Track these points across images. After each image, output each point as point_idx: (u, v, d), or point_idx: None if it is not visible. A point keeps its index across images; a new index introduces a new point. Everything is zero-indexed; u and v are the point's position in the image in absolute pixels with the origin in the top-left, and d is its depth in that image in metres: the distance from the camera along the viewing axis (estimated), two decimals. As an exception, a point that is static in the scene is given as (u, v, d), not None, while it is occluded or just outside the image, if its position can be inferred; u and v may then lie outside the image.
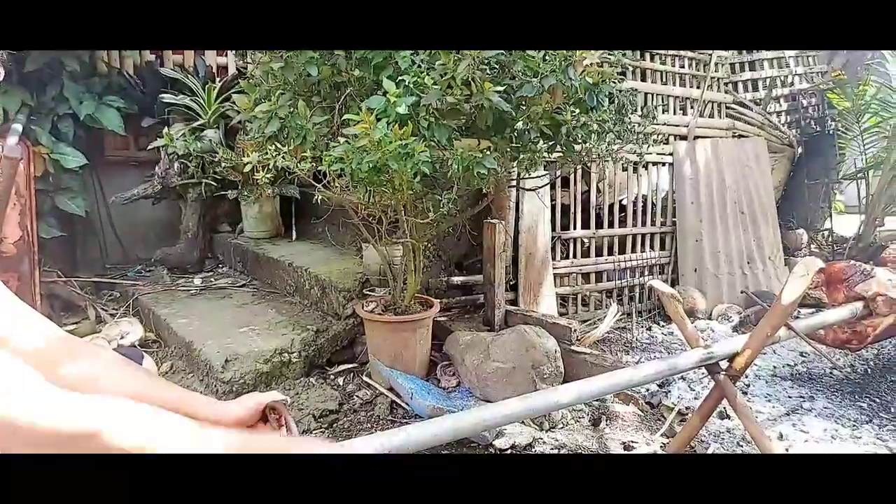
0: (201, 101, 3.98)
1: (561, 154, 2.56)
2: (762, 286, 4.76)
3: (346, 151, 2.01)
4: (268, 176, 2.23)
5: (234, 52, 4.62)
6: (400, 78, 2.11)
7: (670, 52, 4.50)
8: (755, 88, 5.40)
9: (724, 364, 2.39)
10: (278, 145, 2.12)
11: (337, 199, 2.55)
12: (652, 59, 4.42)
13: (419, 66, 2.13)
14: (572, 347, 3.05)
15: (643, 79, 4.38)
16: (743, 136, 5.05)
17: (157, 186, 4.00)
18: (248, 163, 2.17)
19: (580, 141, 2.52)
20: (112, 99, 3.78)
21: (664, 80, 4.51)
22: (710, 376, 2.47)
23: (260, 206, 4.10)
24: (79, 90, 3.67)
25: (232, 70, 4.58)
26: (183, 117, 4.04)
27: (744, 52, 5.29)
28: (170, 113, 4.03)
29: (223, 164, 3.74)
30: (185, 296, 3.69)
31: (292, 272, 3.57)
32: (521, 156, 2.53)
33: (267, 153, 2.13)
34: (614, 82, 2.48)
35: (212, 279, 4.03)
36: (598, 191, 4.20)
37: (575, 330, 3.09)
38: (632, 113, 2.59)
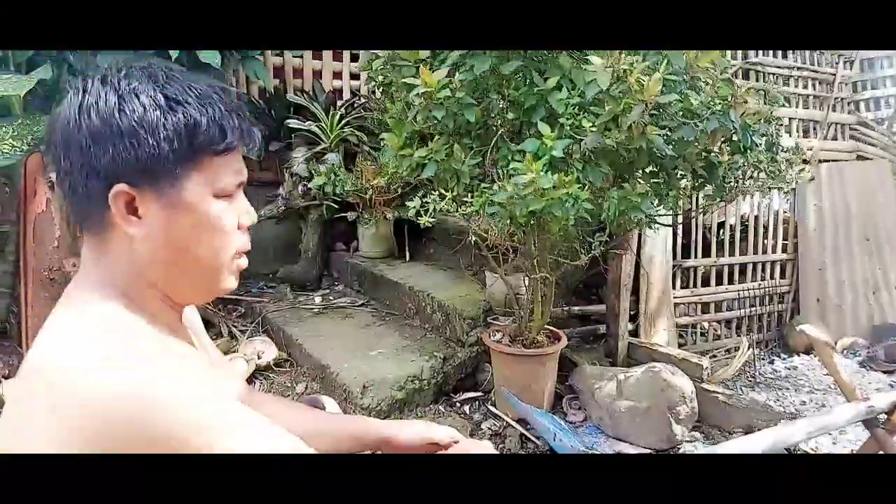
0: (323, 126, 4.12)
1: (711, 193, 2.51)
2: (888, 318, 4.51)
3: (508, 198, 2.04)
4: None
5: (349, 77, 4.77)
6: (558, 121, 2.13)
7: (794, 72, 4.34)
8: (877, 107, 5.15)
9: (881, 417, 2.29)
10: (442, 191, 2.18)
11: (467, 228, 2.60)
12: (776, 80, 4.28)
13: (574, 108, 2.13)
14: (703, 385, 2.98)
15: (765, 102, 4.23)
16: (866, 158, 4.80)
17: (281, 207, 4.17)
18: (413, 208, 2.23)
19: (733, 181, 2.46)
20: (244, 125, 3.97)
21: (787, 102, 4.35)
22: (865, 428, 2.38)
23: (377, 226, 4.21)
24: (215, 117, 3.86)
25: (347, 94, 4.72)
26: (305, 141, 4.19)
27: (866, 69, 5.05)
28: (293, 137, 4.20)
29: (345, 188, 3.87)
30: (309, 314, 3.83)
31: (413, 296, 3.64)
32: (669, 193, 2.50)
33: (427, 196, 2.19)
34: (769, 121, 2.42)
35: (330, 297, 4.16)
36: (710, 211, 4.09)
37: (706, 368, 3.03)
38: (783, 151, 2.51)
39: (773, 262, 4.30)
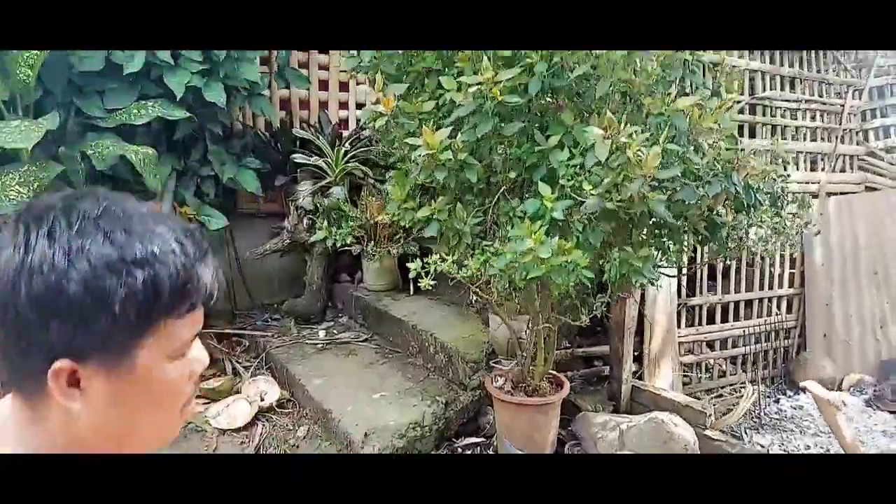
0: (329, 161, 4.13)
1: (714, 249, 2.50)
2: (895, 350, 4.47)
3: (507, 264, 2.04)
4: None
5: (356, 107, 4.78)
6: (558, 183, 2.12)
7: (801, 105, 4.31)
8: (886, 135, 5.10)
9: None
10: (443, 254, 2.18)
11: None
12: (783, 114, 4.25)
13: (575, 169, 2.13)
14: (706, 433, 2.96)
15: (772, 135, 4.22)
16: (875, 189, 4.76)
17: (286, 241, 4.18)
18: (414, 270, 2.23)
19: (737, 239, 2.45)
20: (250, 160, 3.99)
21: (795, 135, 4.33)
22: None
23: (381, 260, 4.21)
24: (220, 152, 3.89)
25: (353, 124, 4.73)
26: (311, 175, 4.21)
27: (875, 98, 5.00)
28: (299, 171, 4.21)
29: (350, 223, 3.88)
30: (312, 351, 3.84)
31: (416, 335, 3.64)
32: (671, 247, 2.49)
33: (428, 255, 2.20)
34: (774, 179, 2.40)
35: (334, 330, 4.17)
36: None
37: (710, 415, 3.00)
38: (787, 204, 2.49)
39: (779, 297, 4.27)
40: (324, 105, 4.66)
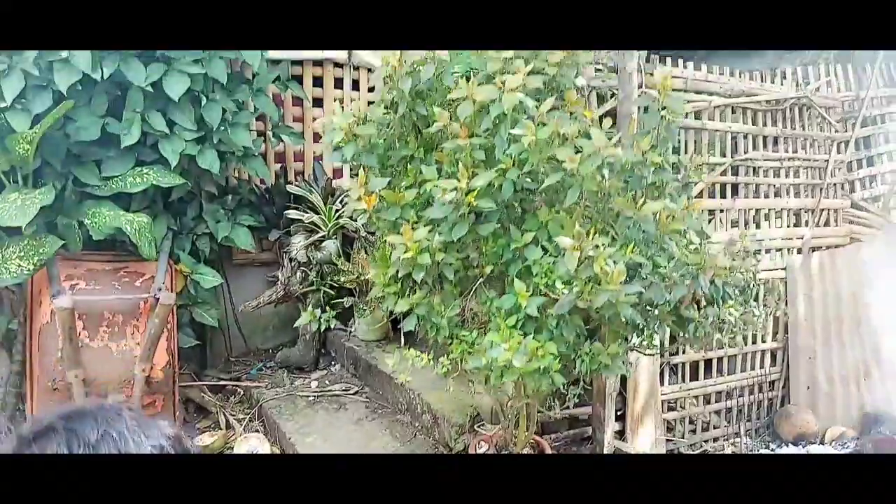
0: (322, 217, 4.24)
1: (685, 340, 2.59)
2: (879, 404, 4.53)
3: (483, 366, 2.13)
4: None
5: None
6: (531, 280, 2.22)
7: (784, 163, 4.40)
8: (872, 185, 5.18)
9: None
10: (425, 357, 2.28)
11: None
12: (765, 173, 4.33)
13: (548, 266, 2.22)
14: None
15: (756, 195, 4.30)
16: (859, 241, 4.84)
17: (279, 293, 4.28)
18: (393, 365, 2.32)
19: (708, 330, 2.53)
20: (244, 217, 4.09)
21: (777, 192, 4.41)
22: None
23: (372, 313, 4.31)
24: (215, 210, 3.99)
25: (347, 177, 4.83)
26: (305, 228, 4.31)
27: (862, 147, 5.08)
28: (293, 224, 4.31)
29: (342, 278, 3.99)
30: (304, 404, 3.93)
31: (404, 392, 3.73)
32: (644, 338, 2.58)
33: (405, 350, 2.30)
34: (743, 272, 2.49)
35: (326, 381, 4.26)
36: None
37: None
38: (756, 298, 2.58)
39: (763, 351, 4.35)
40: (318, 157, 4.76)
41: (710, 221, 4.05)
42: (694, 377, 4.02)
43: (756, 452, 4.09)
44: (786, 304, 4.38)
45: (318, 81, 4.77)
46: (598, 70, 3.63)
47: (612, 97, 3.55)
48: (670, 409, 3.94)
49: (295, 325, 3.98)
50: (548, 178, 2.18)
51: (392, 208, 2.42)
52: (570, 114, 2.65)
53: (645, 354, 2.78)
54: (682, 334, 2.50)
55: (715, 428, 4.15)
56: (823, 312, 4.46)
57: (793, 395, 4.39)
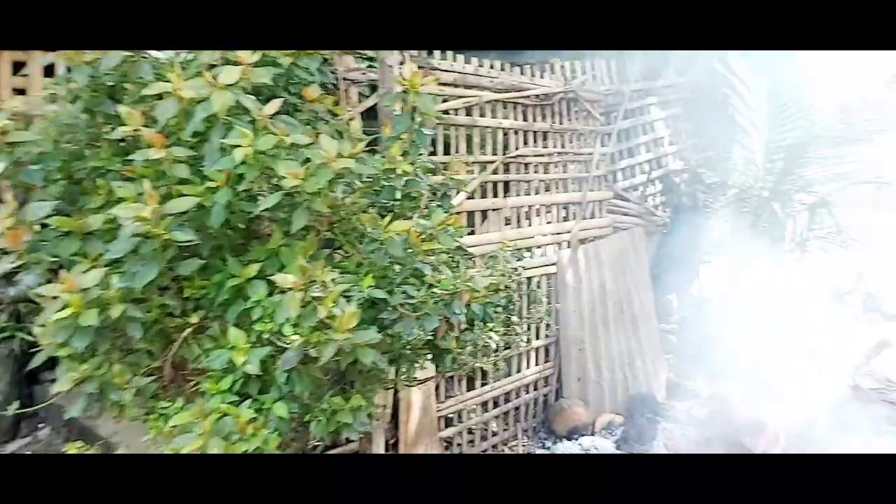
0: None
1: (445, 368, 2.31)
2: (642, 387, 4.81)
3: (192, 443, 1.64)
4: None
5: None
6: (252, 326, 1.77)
7: (553, 158, 4.40)
8: (633, 175, 5.48)
9: None
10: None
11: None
12: (535, 169, 4.30)
13: (275, 307, 1.78)
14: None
15: (527, 192, 4.25)
16: (621, 230, 5.07)
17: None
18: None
19: (469, 353, 2.29)
20: None
21: (548, 188, 4.41)
22: None
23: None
24: None
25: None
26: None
27: (623, 139, 5.33)
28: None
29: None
30: None
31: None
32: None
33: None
34: (507, 285, 2.27)
35: (30, 449, 3.44)
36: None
37: None
38: (519, 313, 2.38)
39: (537, 349, 4.34)
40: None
41: (483, 223, 3.89)
42: (471, 386, 3.85)
43: (533, 452, 4.07)
44: (557, 299, 4.41)
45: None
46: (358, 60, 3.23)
47: (375, 92, 3.17)
48: (448, 424, 3.73)
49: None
50: (265, 200, 1.73)
51: (67, 241, 1.82)
52: (315, 115, 2.23)
53: (409, 387, 2.47)
54: (437, 366, 2.22)
55: (494, 434, 4.05)
56: (590, 303, 4.58)
57: (565, 389, 4.47)
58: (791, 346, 5.17)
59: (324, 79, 2.24)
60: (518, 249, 4.04)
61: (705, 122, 6.25)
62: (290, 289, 1.62)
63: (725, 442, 3.86)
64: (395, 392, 3.23)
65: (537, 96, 4.23)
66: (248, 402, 1.72)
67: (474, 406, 3.88)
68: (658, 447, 4.20)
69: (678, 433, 4.29)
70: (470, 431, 3.91)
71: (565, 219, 4.57)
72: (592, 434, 4.32)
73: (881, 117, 5.75)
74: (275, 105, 1.77)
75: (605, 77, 4.99)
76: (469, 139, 3.77)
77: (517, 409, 4.23)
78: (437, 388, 3.60)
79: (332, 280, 1.64)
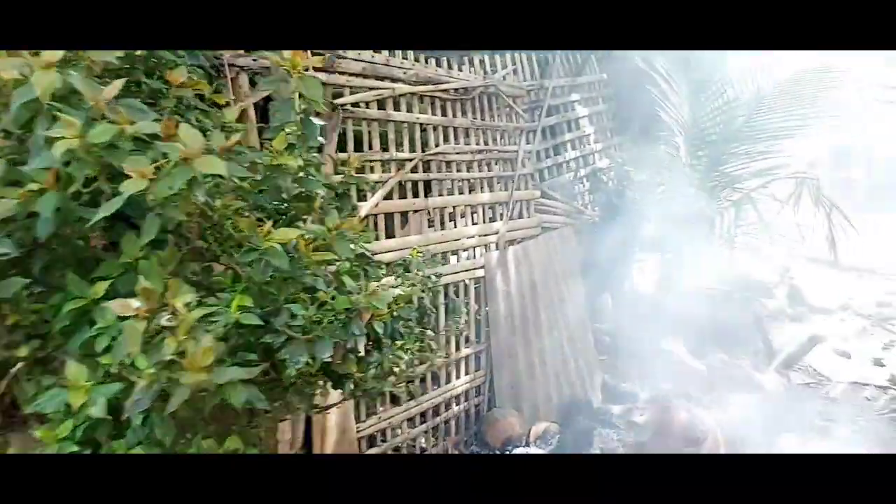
0: None
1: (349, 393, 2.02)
2: (577, 389, 4.65)
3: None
4: None
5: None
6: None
7: (476, 156, 4.17)
8: (560, 173, 5.33)
9: None
10: None
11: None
12: (458, 167, 4.05)
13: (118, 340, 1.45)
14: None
15: (451, 192, 4.00)
16: (550, 230, 4.90)
17: None
18: None
19: (377, 374, 2.01)
20: None
21: (472, 187, 4.17)
22: None
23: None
24: None
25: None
26: None
27: (549, 137, 5.17)
28: None
29: None
30: None
31: None
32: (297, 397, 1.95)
33: None
34: (422, 294, 2.00)
35: None
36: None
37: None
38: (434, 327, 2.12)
39: (466, 357, 4.10)
40: None
41: (403, 226, 3.62)
42: (395, 401, 3.57)
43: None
44: (486, 303, 4.18)
45: None
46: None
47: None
48: (371, 444, 3.43)
49: None
50: (102, 207, 1.39)
51: None
52: (179, 101, 1.90)
53: (310, 414, 2.17)
54: (341, 392, 1.93)
55: (423, 451, 3.78)
56: (521, 307, 4.38)
57: (497, 398, 4.24)
58: (724, 343, 5.15)
59: (195, 62, 1.92)
60: (443, 253, 3.79)
61: (630, 119, 6.21)
62: (133, 316, 1.30)
63: (664, 448, 3.72)
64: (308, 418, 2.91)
65: (456, 90, 3.99)
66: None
67: (400, 422, 3.59)
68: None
69: (615, 439, 4.14)
70: (396, 450, 3.63)
71: (492, 219, 4.35)
72: (527, 444, 4.11)
73: (799, 112, 5.83)
74: (115, 87, 1.44)
75: (526, 72, 4.82)
76: (384, 135, 3.49)
77: (447, 422, 3.97)
78: (356, 405, 3.29)
79: (187, 305, 1.33)
